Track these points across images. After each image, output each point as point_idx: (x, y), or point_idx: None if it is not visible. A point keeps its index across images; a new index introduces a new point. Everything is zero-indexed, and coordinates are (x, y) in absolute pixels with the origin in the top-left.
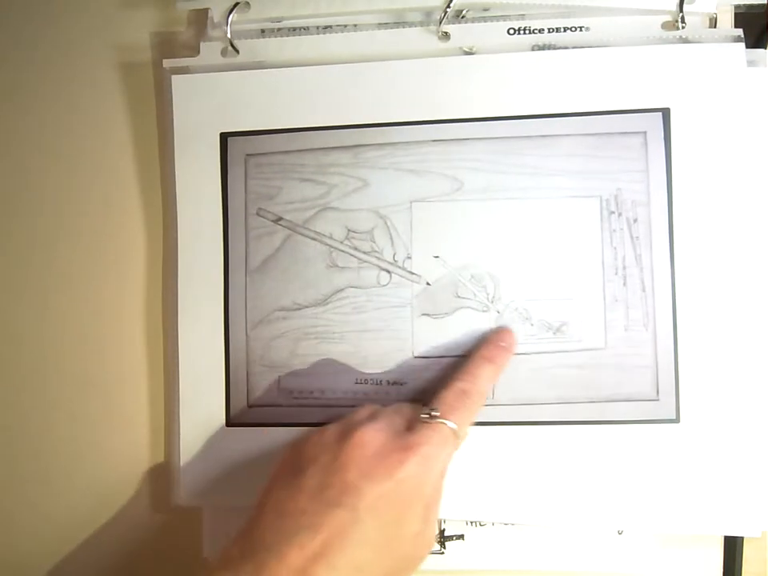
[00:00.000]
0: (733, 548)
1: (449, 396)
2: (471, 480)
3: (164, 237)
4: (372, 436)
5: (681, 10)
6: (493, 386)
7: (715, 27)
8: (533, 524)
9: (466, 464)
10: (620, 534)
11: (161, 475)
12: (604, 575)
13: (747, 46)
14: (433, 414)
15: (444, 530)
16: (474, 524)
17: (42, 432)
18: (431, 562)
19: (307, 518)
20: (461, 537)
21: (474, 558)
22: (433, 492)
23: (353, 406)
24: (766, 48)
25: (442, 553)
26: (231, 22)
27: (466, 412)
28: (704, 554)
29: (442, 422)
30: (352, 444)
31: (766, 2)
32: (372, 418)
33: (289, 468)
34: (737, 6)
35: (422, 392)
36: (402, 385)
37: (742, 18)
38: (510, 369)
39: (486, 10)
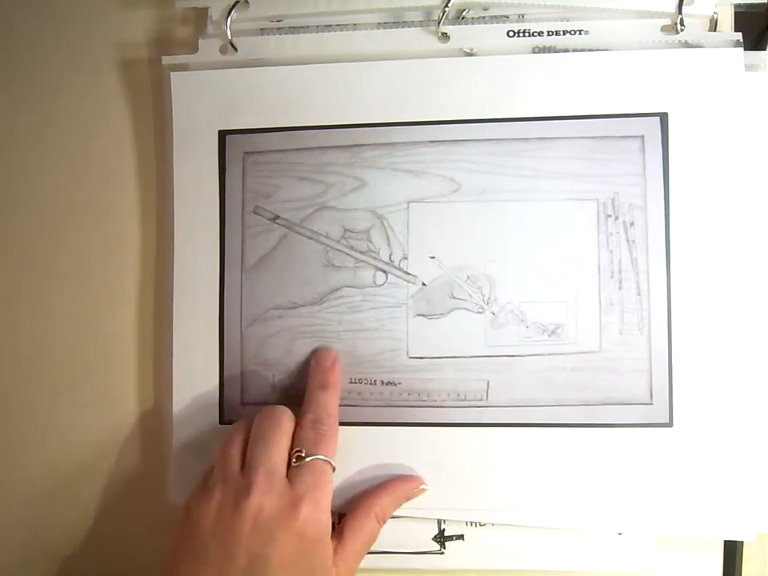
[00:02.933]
0: (733, 548)
1: (305, 433)
2: (467, 481)
3: (160, 233)
4: (262, 501)
5: (680, 12)
6: (338, 406)
7: (716, 30)
8: (527, 525)
9: (462, 465)
10: (620, 534)
11: (154, 473)
12: (604, 575)
13: (747, 47)
14: (301, 455)
15: (444, 530)
16: (473, 524)
17: (34, 438)
18: (431, 562)
19: None
20: (461, 537)
21: (473, 557)
22: (329, 523)
23: (347, 406)
24: (766, 49)
25: (442, 553)
26: (231, 20)
27: (326, 439)
28: (704, 554)
29: (313, 459)
30: (246, 517)
31: (766, 1)
32: (249, 474)
33: (189, 540)
34: (737, 6)
35: (416, 392)
36: (396, 385)
37: (742, 17)
38: (504, 371)
39: (485, 9)
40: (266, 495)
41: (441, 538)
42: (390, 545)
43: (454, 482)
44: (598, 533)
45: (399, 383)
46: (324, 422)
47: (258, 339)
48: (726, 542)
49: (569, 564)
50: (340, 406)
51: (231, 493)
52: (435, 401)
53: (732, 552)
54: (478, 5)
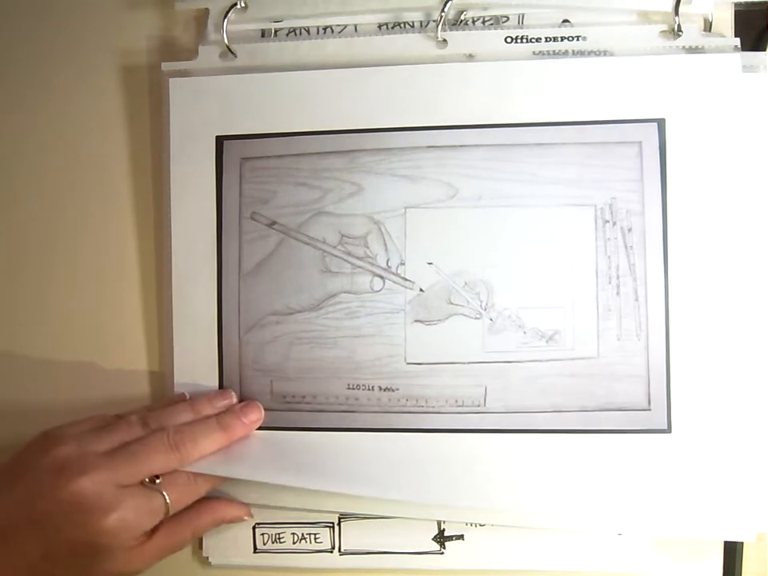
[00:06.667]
0: (733, 548)
1: (183, 481)
2: (466, 487)
3: (158, 239)
4: (87, 485)
5: (677, 13)
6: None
7: (710, 29)
8: (527, 526)
9: (461, 472)
10: (619, 535)
11: None
12: (604, 575)
13: (746, 47)
14: (155, 481)
15: (444, 530)
16: (473, 524)
17: None
18: (431, 562)
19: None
20: (461, 537)
21: (473, 557)
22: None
23: (345, 412)
24: (765, 50)
25: (442, 553)
26: (228, 24)
27: (188, 493)
28: (704, 554)
29: (158, 493)
30: (68, 490)
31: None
32: (111, 455)
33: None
34: (737, 5)
35: (414, 398)
36: (393, 391)
37: (742, 17)
38: (501, 376)
39: (485, 9)
40: (95, 483)
41: (441, 538)
42: (390, 545)
43: (453, 488)
44: (598, 534)
45: (397, 389)
46: (199, 485)
47: (256, 345)
48: (725, 542)
49: (569, 564)
50: (337, 411)
51: (76, 456)
52: (433, 407)
53: (732, 553)
54: (477, 5)
